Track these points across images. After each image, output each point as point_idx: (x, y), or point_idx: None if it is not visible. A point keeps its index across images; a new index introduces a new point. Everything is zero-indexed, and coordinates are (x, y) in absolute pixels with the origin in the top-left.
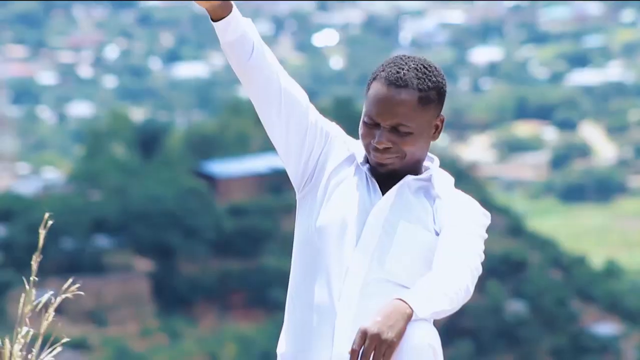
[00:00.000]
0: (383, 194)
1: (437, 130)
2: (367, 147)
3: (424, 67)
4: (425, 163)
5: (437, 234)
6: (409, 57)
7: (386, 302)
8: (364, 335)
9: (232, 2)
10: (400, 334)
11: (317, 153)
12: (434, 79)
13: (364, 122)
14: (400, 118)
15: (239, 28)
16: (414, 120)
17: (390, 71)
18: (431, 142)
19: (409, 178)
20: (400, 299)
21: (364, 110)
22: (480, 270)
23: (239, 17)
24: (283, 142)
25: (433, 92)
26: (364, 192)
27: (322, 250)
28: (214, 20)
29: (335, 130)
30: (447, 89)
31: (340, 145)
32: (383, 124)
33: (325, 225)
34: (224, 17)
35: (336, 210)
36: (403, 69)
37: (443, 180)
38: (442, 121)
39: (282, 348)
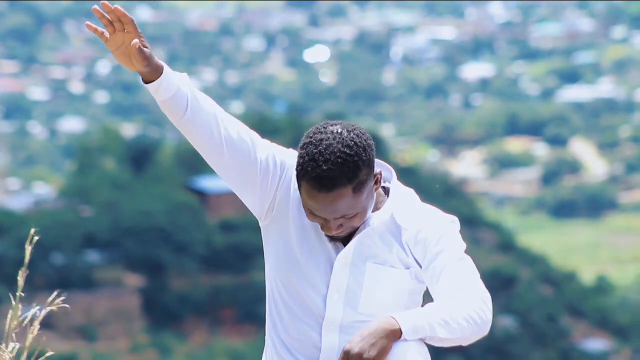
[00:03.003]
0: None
1: (378, 182)
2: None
3: (346, 151)
4: (384, 184)
5: (408, 267)
6: (326, 143)
7: (373, 320)
8: (346, 356)
9: (163, 64)
10: (384, 353)
11: (272, 189)
12: (358, 159)
13: (307, 210)
14: (342, 212)
15: (170, 88)
16: (356, 205)
17: (315, 174)
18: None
19: (368, 229)
20: (391, 316)
21: (302, 200)
22: (489, 295)
23: (171, 78)
24: (234, 184)
25: (363, 171)
26: (326, 242)
27: (297, 296)
28: (145, 83)
29: (291, 160)
30: (438, 106)
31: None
32: (328, 218)
33: (294, 273)
34: (155, 80)
35: (303, 258)
36: (326, 166)
37: (404, 206)
38: (380, 174)
39: None
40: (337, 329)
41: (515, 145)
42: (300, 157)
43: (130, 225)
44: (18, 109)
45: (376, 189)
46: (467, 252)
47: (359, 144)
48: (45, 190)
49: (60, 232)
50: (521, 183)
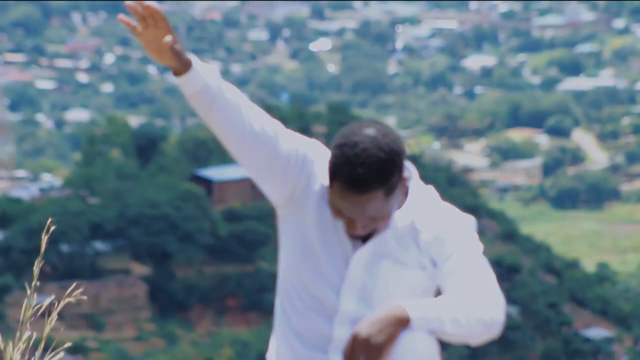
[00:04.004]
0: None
1: (404, 184)
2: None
3: (381, 156)
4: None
5: (424, 268)
6: (362, 146)
7: (383, 306)
8: (353, 339)
9: (192, 57)
10: (391, 339)
11: (292, 180)
12: (392, 163)
13: (334, 208)
14: (371, 213)
15: (198, 82)
16: (384, 208)
17: (350, 175)
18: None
19: (387, 230)
20: (402, 305)
21: (330, 197)
22: (502, 297)
23: (199, 72)
24: (254, 174)
25: (395, 175)
26: (345, 238)
27: (310, 288)
28: (175, 75)
29: (312, 153)
30: (441, 96)
31: (319, 170)
32: (355, 218)
33: (308, 264)
34: (184, 73)
35: (319, 250)
36: (362, 169)
37: (422, 207)
38: (406, 179)
39: None
40: (349, 322)
41: (517, 135)
42: (335, 157)
43: (136, 215)
44: (25, 99)
45: (402, 193)
46: (486, 251)
47: (394, 149)
48: (51, 179)
49: (67, 221)
50: (523, 173)
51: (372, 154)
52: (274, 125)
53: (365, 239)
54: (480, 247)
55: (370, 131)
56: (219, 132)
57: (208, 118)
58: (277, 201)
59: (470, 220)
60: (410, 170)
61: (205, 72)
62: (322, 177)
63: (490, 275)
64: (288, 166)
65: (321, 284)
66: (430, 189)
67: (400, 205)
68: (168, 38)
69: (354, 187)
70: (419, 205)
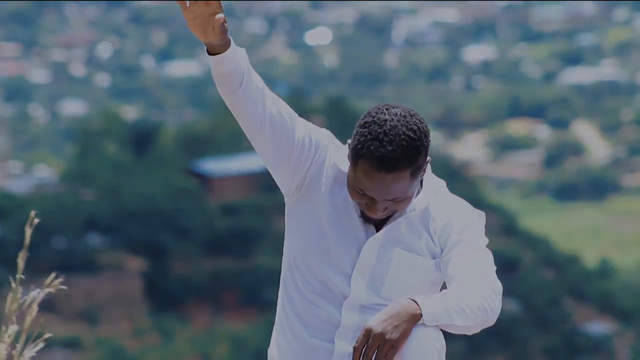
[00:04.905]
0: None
1: (425, 170)
2: (358, 204)
3: (409, 135)
4: None
5: (434, 257)
6: (390, 124)
7: (395, 301)
8: (367, 334)
9: (230, 38)
10: (405, 335)
11: (305, 167)
12: (419, 143)
13: (355, 189)
14: (395, 194)
15: (232, 62)
16: (408, 189)
17: (379, 153)
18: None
19: (401, 218)
20: (413, 299)
21: (351, 176)
22: (500, 287)
23: (235, 52)
24: (268, 159)
25: (422, 156)
26: (358, 223)
27: (318, 274)
28: (210, 54)
29: (325, 139)
30: (440, 89)
31: (332, 156)
32: (378, 199)
33: (318, 250)
34: (220, 52)
35: (331, 236)
36: (390, 146)
37: (436, 197)
38: (430, 161)
39: None
40: (357, 308)
41: (518, 127)
42: (362, 135)
43: (132, 209)
44: (19, 92)
45: (422, 176)
46: (488, 246)
47: (421, 129)
48: (46, 173)
49: (62, 215)
50: (523, 166)
51: (402, 132)
52: (289, 112)
53: (377, 225)
54: (485, 240)
55: (397, 110)
56: (240, 114)
57: (233, 99)
58: (288, 188)
59: (479, 214)
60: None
61: (239, 53)
62: (334, 163)
63: (490, 266)
64: (302, 152)
65: (330, 269)
66: (442, 182)
67: (415, 193)
68: (221, 15)
69: (381, 165)
70: (433, 194)
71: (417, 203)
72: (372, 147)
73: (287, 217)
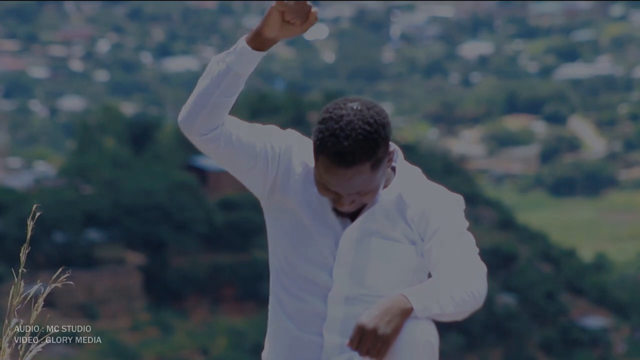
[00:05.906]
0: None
1: (391, 160)
2: (328, 199)
3: (366, 128)
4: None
5: (414, 243)
6: (347, 119)
7: (386, 297)
8: (360, 331)
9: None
10: (397, 330)
11: (272, 175)
12: (377, 136)
13: (320, 184)
14: (358, 187)
15: (254, 66)
16: (371, 182)
17: (336, 149)
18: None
19: (375, 206)
20: (402, 295)
21: (315, 172)
22: (484, 268)
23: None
24: (234, 173)
25: (381, 148)
26: (333, 217)
27: (301, 270)
28: (257, 49)
29: (288, 140)
30: (437, 84)
31: (299, 154)
32: (342, 193)
33: (299, 247)
34: (263, 50)
35: (308, 233)
36: (347, 141)
37: (410, 184)
38: (393, 152)
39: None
40: (342, 300)
41: (514, 122)
42: (320, 131)
43: (131, 204)
44: (18, 87)
45: (388, 167)
46: (468, 229)
47: (379, 121)
48: (45, 168)
49: (61, 210)
50: (520, 160)
51: (358, 126)
52: (248, 128)
53: (353, 216)
54: (465, 224)
55: (354, 104)
56: (217, 119)
57: (225, 105)
58: (259, 194)
59: (457, 198)
60: (396, 146)
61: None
62: (302, 160)
63: (473, 250)
64: (265, 163)
65: (312, 265)
66: (417, 169)
67: (388, 182)
68: (315, 9)
69: (339, 161)
70: (407, 181)
71: (389, 191)
72: (329, 144)
73: (266, 219)
